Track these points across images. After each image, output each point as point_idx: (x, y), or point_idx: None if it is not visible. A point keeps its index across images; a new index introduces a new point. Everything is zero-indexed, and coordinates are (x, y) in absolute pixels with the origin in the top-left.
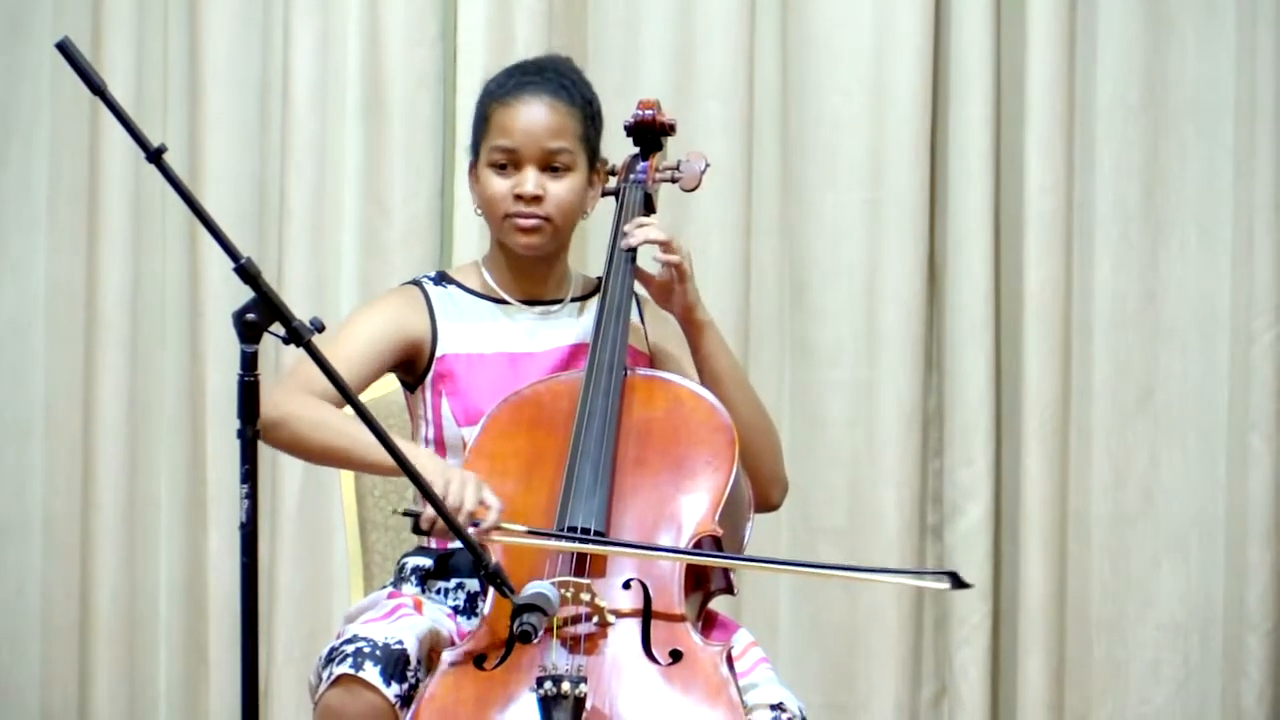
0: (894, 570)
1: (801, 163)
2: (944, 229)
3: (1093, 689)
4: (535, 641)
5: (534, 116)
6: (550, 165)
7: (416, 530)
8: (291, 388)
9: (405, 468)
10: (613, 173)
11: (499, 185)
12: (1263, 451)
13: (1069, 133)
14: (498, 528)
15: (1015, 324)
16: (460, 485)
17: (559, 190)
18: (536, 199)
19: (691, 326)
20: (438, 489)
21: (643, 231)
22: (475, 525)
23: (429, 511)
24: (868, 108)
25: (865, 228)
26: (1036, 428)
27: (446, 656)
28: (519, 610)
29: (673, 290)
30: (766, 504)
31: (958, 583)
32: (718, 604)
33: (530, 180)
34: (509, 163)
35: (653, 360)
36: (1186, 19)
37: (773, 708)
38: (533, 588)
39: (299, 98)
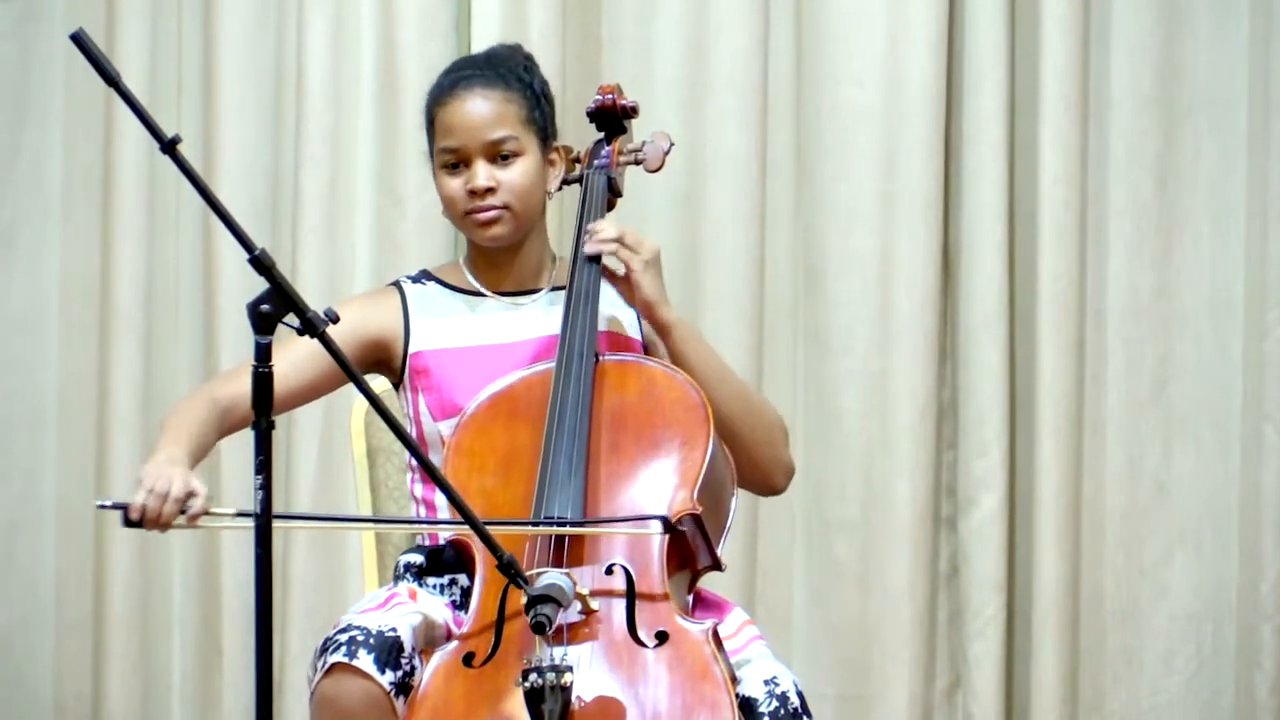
0: (602, 520)
1: (815, 154)
2: (958, 220)
3: (1106, 680)
4: (549, 632)
5: (471, 111)
6: (498, 154)
7: (127, 523)
8: (203, 386)
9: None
10: (578, 160)
11: (452, 185)
12: (1276, 442)
13: (1083, 124)
14: (206, 512)
15: (1029, 315)
16: (167, 478)
17: (511, 177)
18: (490, 190)
19: (656, 326)
20: (147, 482)
21: (598, 240)
22: (184, 513)
23: (137, 501)
24: (881, 99)
25: (879, 219)
26: (1050, 419)
27: (436, 655)
28: (533, 601)
29: (634, 286)
30: (770, 489)
31: (669, 527)
32: (726, 590)
33: (480, 174)
34: (458, 161)
35: (649, 344)
36: (1200, 11)
37: (766, 682)
38: (546, 578)
39: (313, 88)
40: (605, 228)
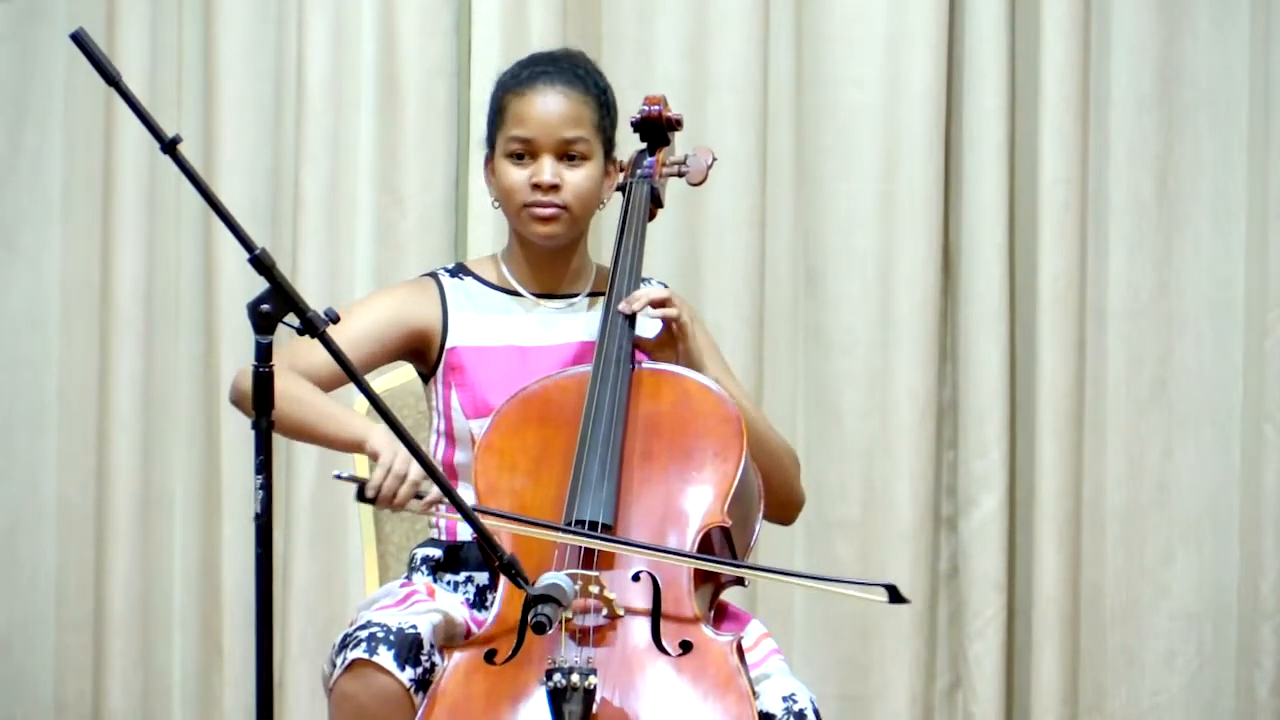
0: (835, 579)
1: (816, 154)
2: (958, 220)
3: (1106, 680)
4: (549, 633)
5: (549, 106)
6: (567, 154)
7: (361, 497)
8: (276, 362)
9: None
10: (621, 168)
11: (516, 175)
12: (1277, 441)
13: (1083, 124)
14: (443, 501)
15: (1029, 315)
16: (406, 458)
17: (576, 179)
18: (554, 188)
19: None
20: (384, 460)
21: (641, 295)
22: (419, 498)
23: (375, 478)
24: (882, 99)
25: (879, 219)
26: (1051, 418)
27: (458, 652)
28: (534, 601)
29: (674, 350)
30: (783, 521)
31: (895, 597)
32: (730, 594)
33: (547, 169)
34: (525, 153)
35: None
36: (1200, 10)
37: (784, 699)
38: (547, 579)
39: (313, 88)
40: (646, 292)
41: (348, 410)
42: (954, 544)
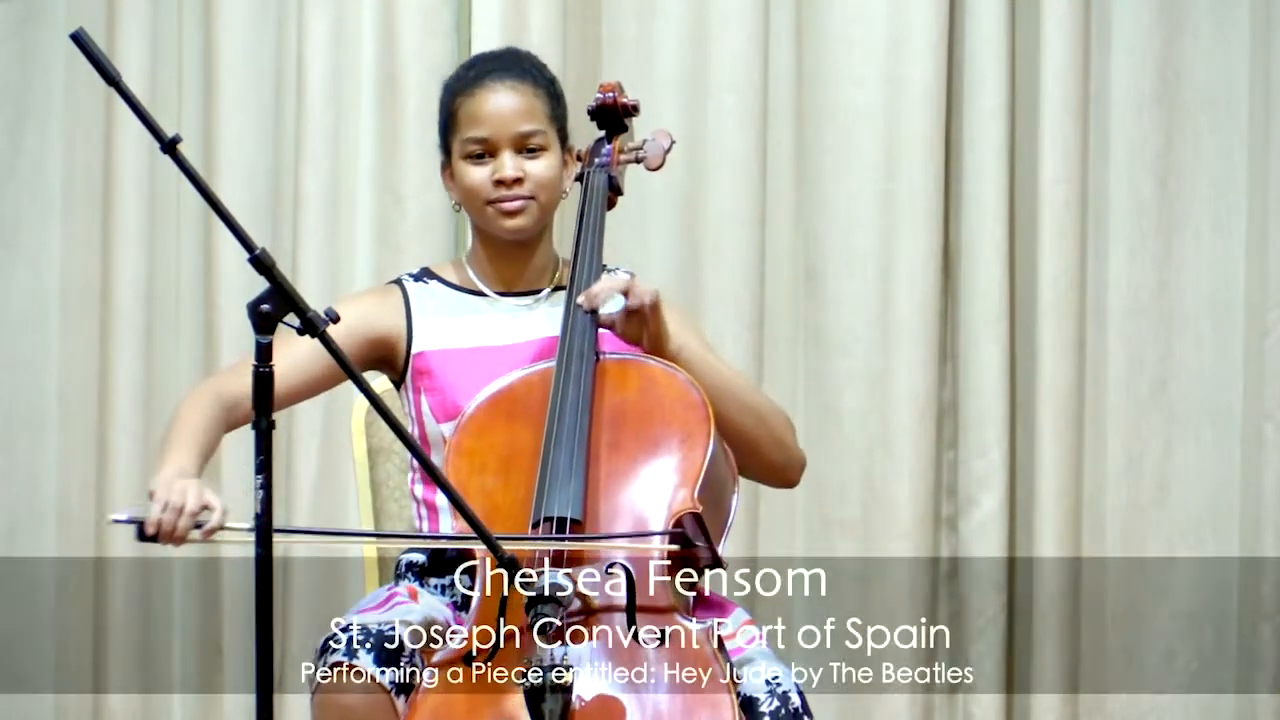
0: (617, 535)
1: (816, 153)
2: (958, 219)
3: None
4: (552, 632)
5: (501, 102)
6: (525, 148)
7: (142, 537)
8: (206, 383)
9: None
10: (579, 158)
11: (478, 175)
12: (1277, 441)
13: (1083, 124)
14: (223, 527)
15: (1029, 314)
16: (181, 491)
17: (538, 169)
18: (518, 181)
19: (667, 358)
20: (160, 495)
21: (601, 288)
22: (199, 527)
23: (153, 516)
24: (882, 98)
25: (880, 218)
26: (1051, 418)
27: (437, 654)
28: (534, 602)
29: (642, 332)
30: (786, 484)
31: (686, 543)
32: (727, 591)
33: (509, 164)
34: (484, 152)
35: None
36: (1201, 10)
37: (768, 682)
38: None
39: (313, 88)
40: (606, 284)
41: (179, 446)
42: (954, 544)
